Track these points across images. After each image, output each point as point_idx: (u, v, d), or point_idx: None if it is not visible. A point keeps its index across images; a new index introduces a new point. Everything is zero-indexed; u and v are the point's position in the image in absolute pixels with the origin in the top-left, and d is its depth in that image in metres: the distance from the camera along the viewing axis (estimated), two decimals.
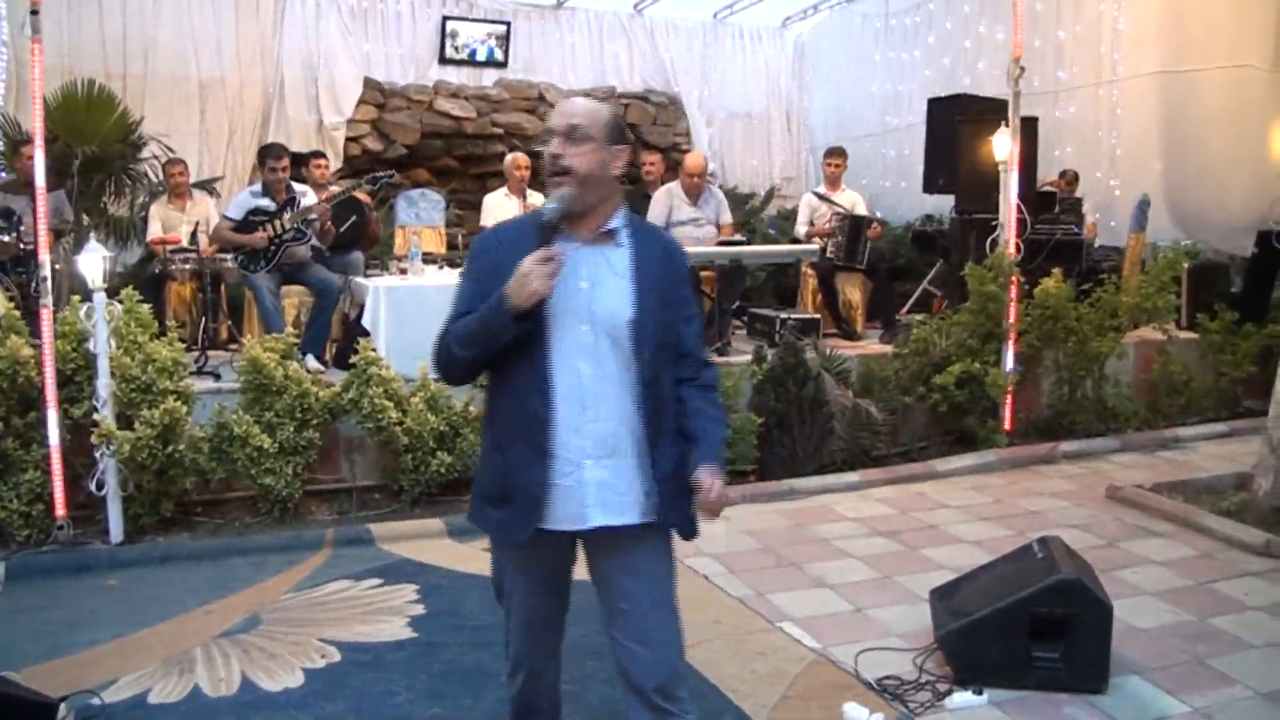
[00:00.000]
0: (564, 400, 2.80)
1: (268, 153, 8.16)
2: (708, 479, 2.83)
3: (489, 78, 13.37)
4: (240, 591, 5.34)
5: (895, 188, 12.87)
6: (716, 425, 2.99)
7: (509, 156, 9.42)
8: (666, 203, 9.04)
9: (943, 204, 11.01)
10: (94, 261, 5.86)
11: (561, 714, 3.34)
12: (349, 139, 12.32)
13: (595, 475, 2.83)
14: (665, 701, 2.93)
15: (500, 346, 2.78)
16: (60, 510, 5.87)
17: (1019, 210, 8.10)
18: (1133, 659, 4.43)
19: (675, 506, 2.90)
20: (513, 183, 9.10)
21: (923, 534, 6.26)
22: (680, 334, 2.95)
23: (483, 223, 8.99)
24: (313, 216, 7.93)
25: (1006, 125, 8.05)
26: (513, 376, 2.85)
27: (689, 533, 2.98)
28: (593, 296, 2.82)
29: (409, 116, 12.62)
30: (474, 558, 5.56)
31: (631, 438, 2.85)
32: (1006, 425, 7.95)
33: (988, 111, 8.94)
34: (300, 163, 9.36)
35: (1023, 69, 7.99)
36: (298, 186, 8.24)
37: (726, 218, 9.27)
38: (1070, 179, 10.82)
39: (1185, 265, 9.68)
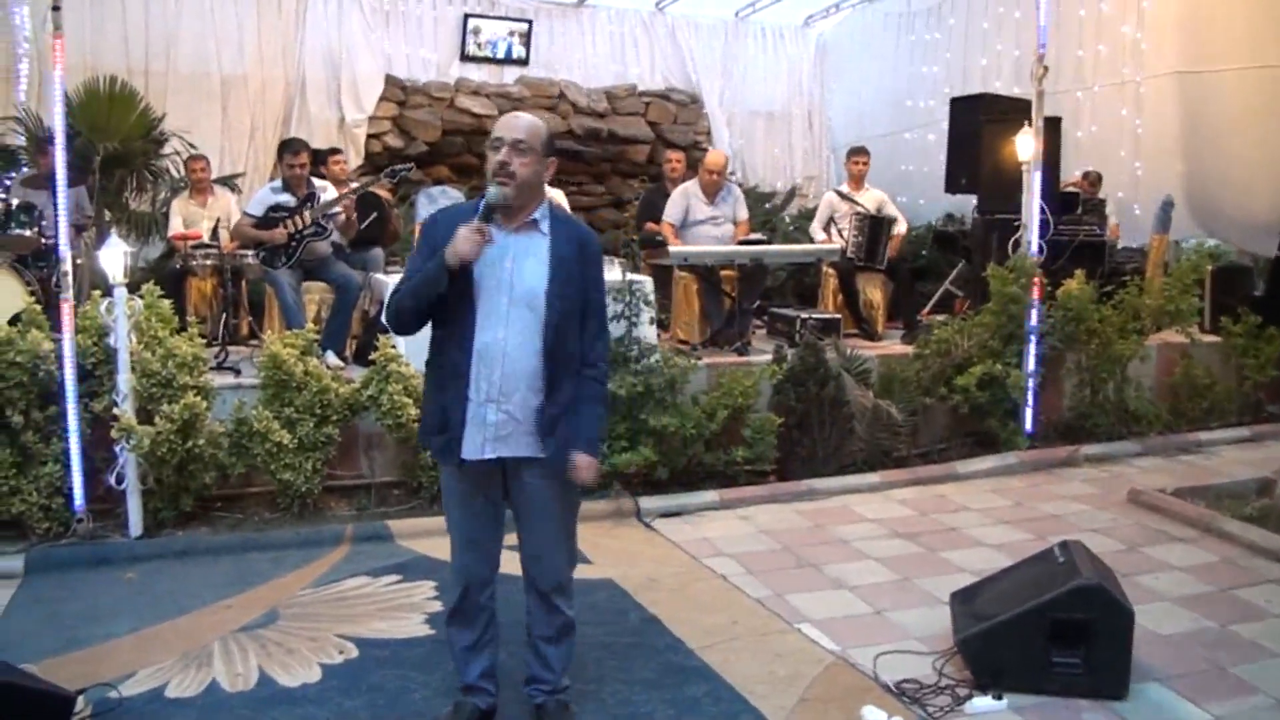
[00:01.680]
0: (480, 356, 3.49)
1: (286, 149, 8.19)
2: (580, 462, 3.62)
3: (510, 75, 13.37)
4: (259, 587, 5.35)
5: (915, 187, 12.79)
6: (590, 416, 3.68)
7: None
8: (683, 203, 8.99)
9: (963, 204, 10.97)
10: (115, 256, 5.88)
11: (498, 638, 3.92)
12: (370, 136, 12.33)
13: (496, 416, 3.52)
14: (558, 599, 3.78)
15: (436, 296, 3.46)
16: (79, 504, 5.89)
17: (1042, 211, 8.04)
18: (1153, 665, 4.39)
19: (559, 446, 3.57)
20: None
21: (943, 536, 6.23)
22: (588, 305, 3.63)
23: None
24: (336, 210, 7.94)
25: (1030, 125, 8.00)
26: (447, 332, 3.57)
27: (566, 467, 3.60)
28: (514, 273, 3.51)
29: (430, 114, 12.63)
30: None
31: (531, 389, 3.53)
32: (1028, 427, 7.89)
33: (1011, 111, 8.89)
34: (319, 160, 9.37)
35: (1046, 68, 7.92)
36: (317, 182, 8.24)
37: (743, 214, 9.22)
38: (1093, 180, 10.77)
39: (1209, 267, 9.62)
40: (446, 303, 3.49)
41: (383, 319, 7.34)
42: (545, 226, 3.58)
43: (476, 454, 3.55)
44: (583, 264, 3.61)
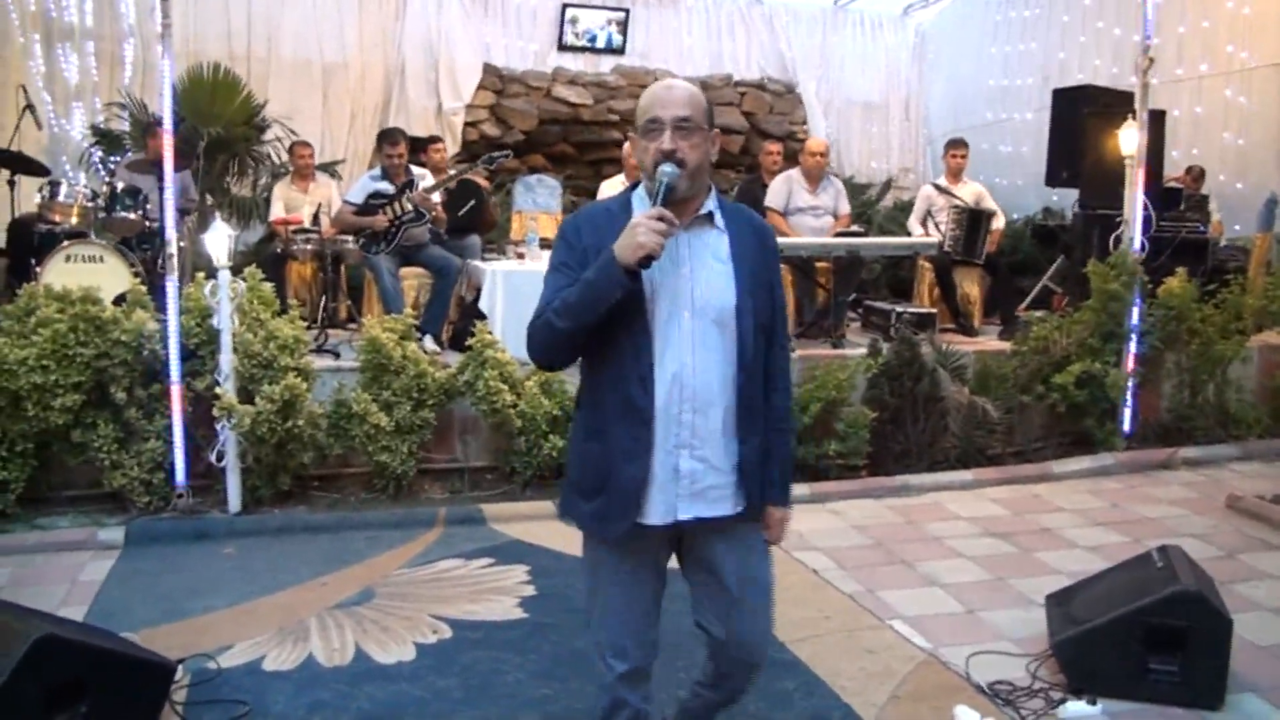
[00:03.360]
0: (665, 389, 2.71)
1: (384, 139, 8.33)
2: (774, 517, 2.93)
3: (606, 64, 13.42)
4: (354, 565, 5.43)
5: (1012, 181, 12.64)
6: (786, 458, 2.96)
7: (628, 144, 9.43)
8: (785, 190, 8.99)
9: (1061, 197, 10.80)
10: (220, 240, 6.01)
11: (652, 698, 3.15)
12: (467, 124, 12.47)
13: (689, 466, 2.75)
14: (747, 682, 3.07)
15: (605, 310, 2.62)
16: (181, 479, 6.04)
17: (1144, 207, 7.87)
18: (1250, 676, 4.28)
19: (760, 496, 2.86)
20: (629, 170, 9.09)
21: (1037, 537, 6.13)
22: (774, 316, 2.89)
23: None
24: (409, 208, 8.02)
25: (1133, 118, 7.84)
26: (613, 362, 2.74)
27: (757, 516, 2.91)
28: (694, 282, 2.74)
29: (526, 103, 12.71)
30: None
31: (727, 428, 2.78)
32: (1126, 428, 7.74)
33: (1114, 103, 8.74)
34: (419, 148, 9.49)
35: (1151, 60, 7.75)
36: (415, 169, 8.36)
37: (845, 208, 9.20)
38: (1196, 175, 10.57)
39: None
40: (609, 322, 2.68)
41: (480, 306, 7.47)
42: (720, 220, 2.81)
43: (665, 517, 2.76)
44: (765, 262, 2.87)
